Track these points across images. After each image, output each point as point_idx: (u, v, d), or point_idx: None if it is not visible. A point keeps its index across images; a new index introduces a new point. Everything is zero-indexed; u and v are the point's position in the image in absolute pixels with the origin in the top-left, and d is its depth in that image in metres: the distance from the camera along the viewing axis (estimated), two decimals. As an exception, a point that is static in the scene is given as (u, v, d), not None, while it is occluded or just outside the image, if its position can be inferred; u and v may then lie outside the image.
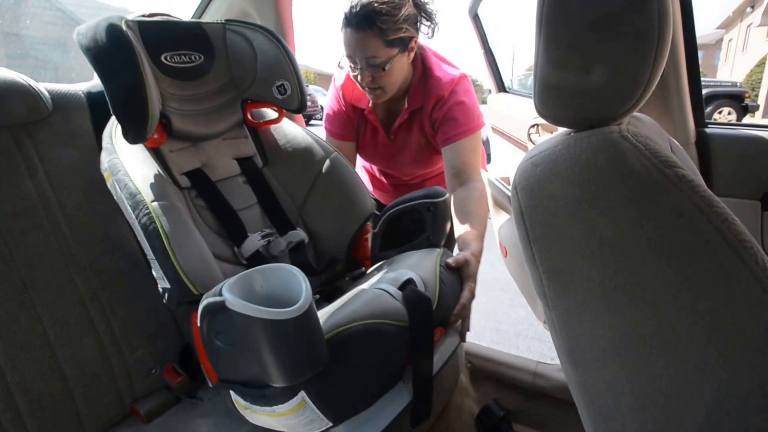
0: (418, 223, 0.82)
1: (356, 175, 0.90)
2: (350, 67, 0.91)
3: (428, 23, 0.92)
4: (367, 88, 0.93)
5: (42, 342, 0.69)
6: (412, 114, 1.00)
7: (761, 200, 0.90)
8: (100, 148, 0.77)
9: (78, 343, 0.72)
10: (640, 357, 0.40)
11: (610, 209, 0.41)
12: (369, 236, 0.88)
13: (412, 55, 0.93)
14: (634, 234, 0.40)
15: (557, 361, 1.16)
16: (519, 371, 1.13)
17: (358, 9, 0.82)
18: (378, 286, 0.64)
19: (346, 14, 0.84)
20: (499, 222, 1.47)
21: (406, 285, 0.65)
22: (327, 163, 0.88)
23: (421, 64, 0.97)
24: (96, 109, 0.82)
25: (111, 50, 0.62)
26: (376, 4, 0.81)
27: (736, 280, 0.36)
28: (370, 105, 1.03)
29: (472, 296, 0.74)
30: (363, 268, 0.89)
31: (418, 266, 0.70)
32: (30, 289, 0.69)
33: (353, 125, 1.08)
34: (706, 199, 0.37)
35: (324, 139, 1.08)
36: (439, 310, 0.65)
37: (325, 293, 0.82)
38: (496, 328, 1.88)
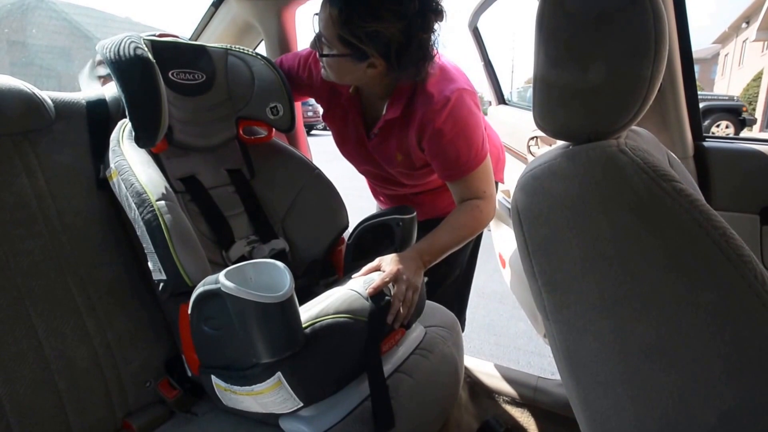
0: (387, 237, 0.88)
1: (335, 191, 0.95)
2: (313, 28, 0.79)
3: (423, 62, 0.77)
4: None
5: (36, 353, 0.68)
6: (389, 123, 0.86)
7: (760, 214, 0.90)
8: (94, 156, 0.80)
9: (72, 354, 0.71)
10: (642, 371, 0.40)
11: (608, 222, 0.41)
12: (343, 247, 0.94)
13: (373, 72, 0.78)
14: (632, 247, 0.40)
15: (558, 377, 1.14)
16: (519, 387, 1.12)
17: None
18: (349, 287, 0.72)
19: None
20: (499, 234, 1.46)
21: None
22: (309, 179, 0.95)
23: None
24: (93, 118, 0.83)
25: (135, 65, 0.70)
26: None
27: (736, 295, 0.36)
28: (351, 91, 0.90)
29: (399, 290, 0.74)
30: (336, 276, 0.94)
31: None
32: (26, 299, 0.68)
33: (309, 91, 0.96)
34: (705, 213, 0.37)
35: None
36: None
37: (301, 296, 0.85)
38: (496, 342, 1.86)
